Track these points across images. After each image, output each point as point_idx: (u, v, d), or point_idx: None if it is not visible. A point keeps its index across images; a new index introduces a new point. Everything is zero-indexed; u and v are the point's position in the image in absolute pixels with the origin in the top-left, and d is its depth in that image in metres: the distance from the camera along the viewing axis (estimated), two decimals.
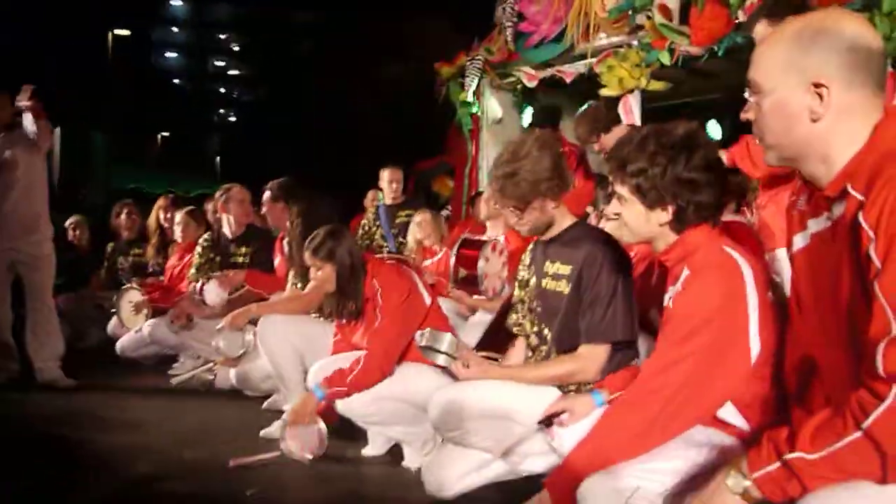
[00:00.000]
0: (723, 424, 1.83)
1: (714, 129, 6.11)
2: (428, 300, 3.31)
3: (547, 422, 2.14)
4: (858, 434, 1.23)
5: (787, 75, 1.43)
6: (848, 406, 1.27)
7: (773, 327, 1.77)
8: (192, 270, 4.99)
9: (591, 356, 2.34)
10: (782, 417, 1.63)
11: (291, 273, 4.19)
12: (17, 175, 4.64)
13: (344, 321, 3.44)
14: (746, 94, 1.53)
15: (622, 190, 1.95)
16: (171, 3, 49.90)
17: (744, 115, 1.56)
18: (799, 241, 1.59)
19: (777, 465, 1.33)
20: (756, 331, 1.77)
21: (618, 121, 4.63)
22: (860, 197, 1.33)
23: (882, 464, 1.21)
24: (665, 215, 1.91)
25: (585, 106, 4.65)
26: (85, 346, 5.83)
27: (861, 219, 1.31)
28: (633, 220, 1.96)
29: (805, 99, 1.41)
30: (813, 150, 1.44)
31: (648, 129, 1.95)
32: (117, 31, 23.22)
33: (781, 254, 2.47)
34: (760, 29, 3.13)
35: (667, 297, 1.98)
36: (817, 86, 1.40)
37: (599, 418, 1.94)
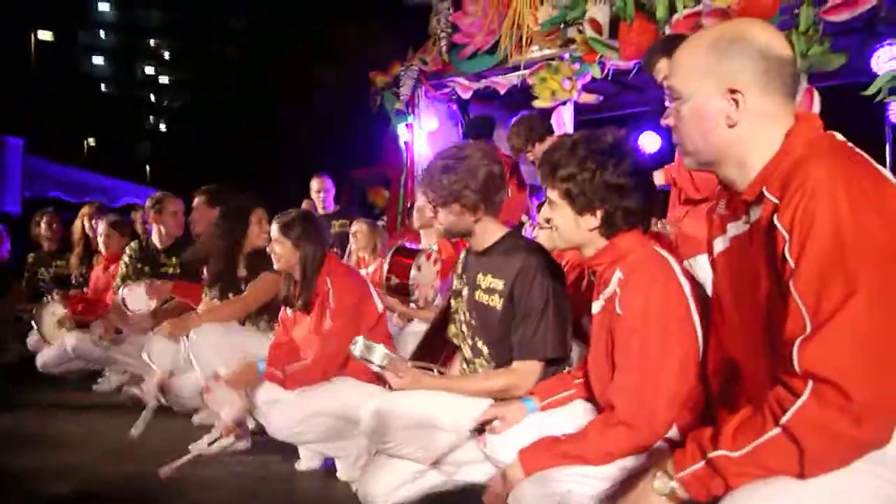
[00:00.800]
0: None
1: (651, 140, 6.25)
2: (380, 307, 3.29)
3: (479, 429, 2.15)
4: (777, 430, 1.27)
5: (704, 81, 1.48)
6: (766, 403, 1.30)
7: (702, 326, 1.81)
8: (118, 280, 4.84)
9: (526, 372, 2.33)
10: (706, 418, 1.68)
11: (213, 286, 4.06)
12: None
13: (289, 312, 3.38)
14: (666, 101, 1.58)
15: (553, 195, 1.98)
16: (98, 5, 48.46)
17: (663, 121, 1.61)
18: (719, 245, 1.64)
19: (701, 464, 1.36)
20: (699, 323, 1.81)
21: (551, 131, 4.70)
22: (775, 200, 1.38)
23: (800, 459, 1.25)
24: (594, 220, 1.94)
25: (519, 116, 4.70)
26: (3, 361, 5.56)
27: (776, 221, 1.35)
28: (564, 225, 1.99)
29: (722, 104, 1.46)
30: (729, 155, 1.49)
31: (579, 135, 1.99)
32: (40, 33, 22.34)
33: (702, 259, 2.55)
34: (662, 66, 3.25)
35: (596, 303, 2.02)
36: (733, 91, 1.45)
37: (593, 426, 1.87)
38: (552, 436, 1.92)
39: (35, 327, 5.20)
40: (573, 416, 2.08)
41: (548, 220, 2.03)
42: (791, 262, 1.32)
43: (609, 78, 5.31)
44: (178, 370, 3.90)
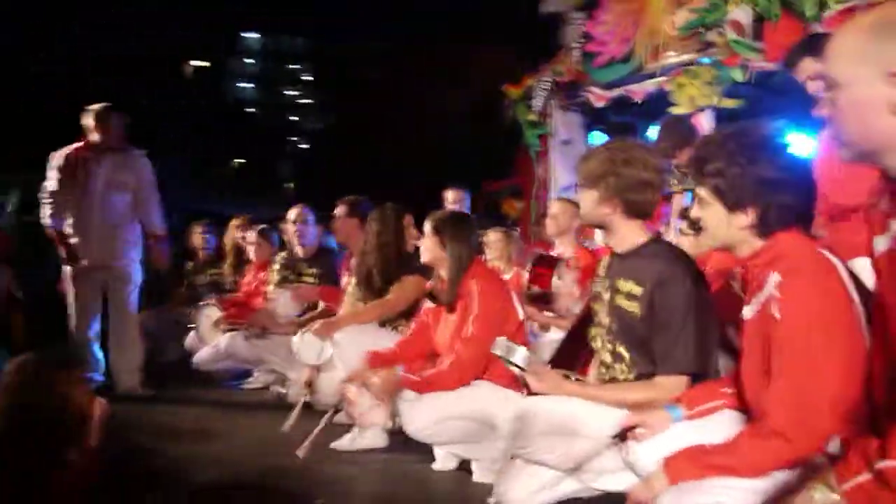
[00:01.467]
0: None
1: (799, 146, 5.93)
2: (521, 315, 3.30)
3: (620, 436, 2.10)
4: None
5: (862, 67, 1.38)
6: None
7: (868, 331, 1.68)
8: (271, 287, 5.16)
9: (668, 387, 2.23)
10: (868, 429, 1.57)
11: (351, 288, 4.22)
12: (129, 199, 4.94)
13: (433, 305, 3.44)
14: (821, 90, 1.50)
15: (702, 192, 1.89)
16: (244, 35, 51.76)
17: (818, 112, 1.52)
18: (881, 244, 1.51)
19: (868, 475, 1.27)
20: (865, 328, 1.68)
21: (698, 135, 4.53)
22: None
23: None
24: (746, 218, 1.83)
25: (667, 118, 4.57)
26: (164, 360, 6.01)
27: None
28: (714, 223, 1.89)
29: (883, 90, 1.36)
30: (892, 146, 1.39)
31: (730, 129, 1.90)
32: (195, 63, 24.21)
33: (860, 263, 2.38)
34: (807, 65, 3.05)
35: (748, 308, 1.92)
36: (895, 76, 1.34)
37: (744, 437, 1.80)
38: (700, 445, 1.85)
39: (193, 329, 5.62)
40: (722, 426, 1.98)
41: (696, 221, 1.95)
42: None
43: (752, 82, 5.08)
44: (323, 368, 4.07)
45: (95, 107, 4.88)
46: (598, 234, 4.37)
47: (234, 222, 6.47)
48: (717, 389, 2.11)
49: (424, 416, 3.11)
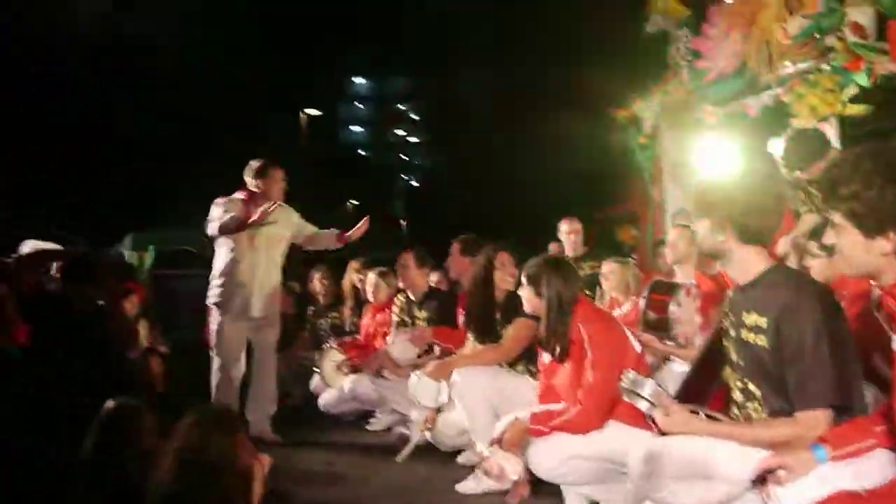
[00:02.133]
0: None
1: None
2: (638, 348, 3.21)
3: (761, 479, 1.97)
4: None
5: None
6: None
7: None
8: (393, 332, 5.29)
9: (810, 423, 2.07)
10: None
11: (470, 329, 4.24)
12: (281, 249, 5.14)
13: (548, 360, 3.39)
14: None
15: (836, 217, 1.77)
16: (354, 80, 53.85)
17: None
18: None
19: None
20: None
21: (831, 147, 4.26)
22: None
23: None
24: (888, 243, 1.69)
25: (796, 130, 4.34)
26: (291, 403, 6.21)
27: None
28: (851, 250, 1.76)
29: None
30: None
31: (862, 149, 1.76)
32: (309, 111, 25.30)
33: None
34: None
35: None
36: None
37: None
38: (850, 491, 1.70)
39: (317, 372, 5.78)
40: (874, 468, 1.83)
41: (829, 247, 1.82)
42: None
43: (879, 85, 4.76)
44: (444, 409, 4.08)
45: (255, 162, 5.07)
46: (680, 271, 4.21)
47: (353, 265, 6.64)
48: (868, 427, 1.95)
49: (553, 455, 3.06)
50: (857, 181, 1.71)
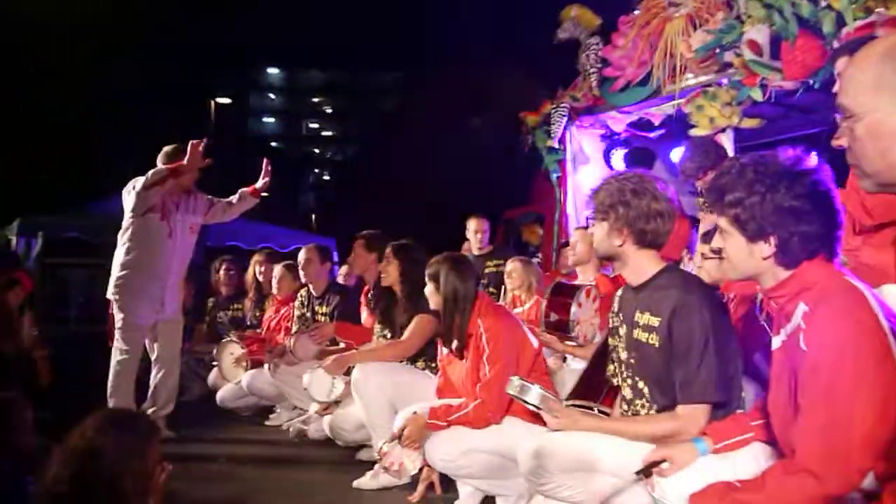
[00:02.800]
0: None
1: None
2: (535, 344, 3.27)
3: (646, 472, 2.03)
4: None
5: (880, 95, 1.35)
6: None
7: None
8: (295, 326, 5.17)
9: (691, 417, 2.18)
10: None
11: (377, 325, 4.22)
12: (194, 239, 4.89)
13: (446, 353, 3.42)
14: (838, 120, 1.45)
15: (722, 222, 1.84)
16: (267, 70, 52.66)
17: (836, 142, 1.48)
18: None
19: None
20: None
21: (726, 156, 4.46)
22: None
23: None
24: (768, 248, 1.77)
25: (693, 139, 4.51)
26: (187, 398, 6.01)
27: None
28: (735, 254, 1.84)
29: None
30: None
31: (748, 158, 1.85)
32: (219, 100, 24.58)
33: (888, 290, 2.30)
34: (840, 64, 3.01)
35: (776, 339, 1.85)
36: None
37: (772, 474, 1.72)
38: (726, 482, 1.78)
39: (216, 366, 5.62)
40: (751, 460, 1.93)
41: (718, 251, 1.89)
42: None
43: (772, 100, 5.01)
44: (343, 404, 4.03)
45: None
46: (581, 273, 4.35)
47: (256, 257, 6.47)
48: (745, 422, 2.05)
49: (450, 449, 3.08)
50: (741, 189, 1.79)
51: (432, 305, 3.42)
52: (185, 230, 4.76)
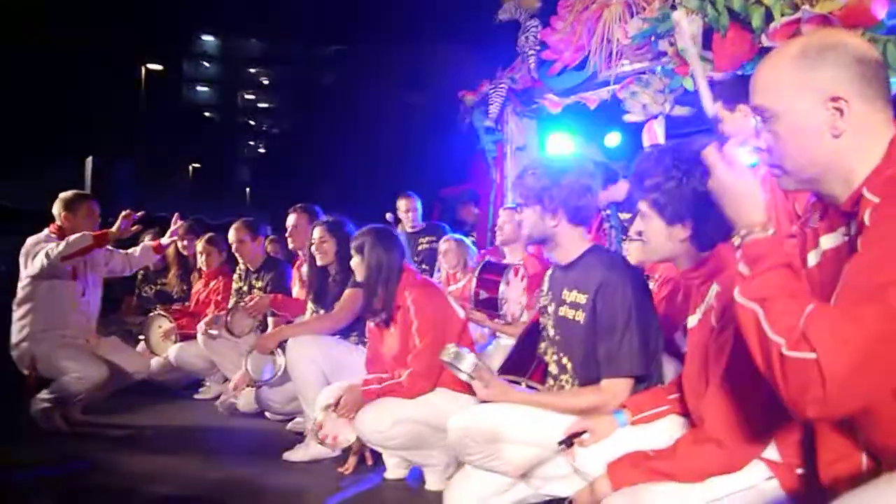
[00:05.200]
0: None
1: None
2: (461, 314, 3.33)
3: (567, 442, 2.11)
4: None
5: (799, 94, 1.39)
6: None
7: None
8: (232, 300, 5.11)
9: (613, 390, 2.27)
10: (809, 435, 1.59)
11: (310, 299, 4.21)
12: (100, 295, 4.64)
13: (374, 325, 3.45)
14: (756, 123, 1.47)
15: (642, 206, 1.93)
16: (202, 38, 51.04)
17: (756, 143, 1.52)
18: (812, 259, 1.53)
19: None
20: None
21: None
22: (875, 199, 1.29)
23: None
24: (684, 231, 1.87)
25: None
26: None
27: (867, 218, 1.28)
28: (654, 236, 1.93)
29: (824, 116, 1.37)
30: (834, 169, 1.39)
31: (668, 145, 1.94)
32: (150, 66, 23.71)
33: None
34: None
35: (692, 317, 1.95)
36: (835, 100, 1.35)
37: (682, 442, 1.82)
38: (641, 451, 1.87)
39: (142, 339, 5.50)
40: (665, 431, 2.02)
41: (639, 233, 1.98)
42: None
43: None
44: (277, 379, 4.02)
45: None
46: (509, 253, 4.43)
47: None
48: (663, 396, 2.14)
49: (380, 419, 3.11)
50: (659, 174, 1.88)
51: (358, 277, 3.44)
52: (95, 285, 4.56)
